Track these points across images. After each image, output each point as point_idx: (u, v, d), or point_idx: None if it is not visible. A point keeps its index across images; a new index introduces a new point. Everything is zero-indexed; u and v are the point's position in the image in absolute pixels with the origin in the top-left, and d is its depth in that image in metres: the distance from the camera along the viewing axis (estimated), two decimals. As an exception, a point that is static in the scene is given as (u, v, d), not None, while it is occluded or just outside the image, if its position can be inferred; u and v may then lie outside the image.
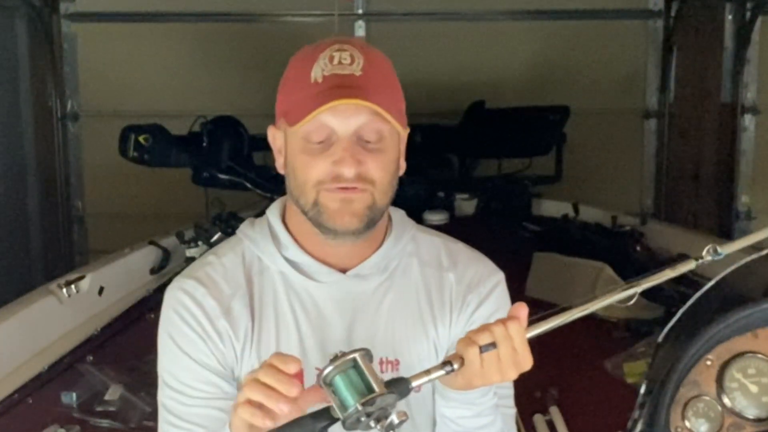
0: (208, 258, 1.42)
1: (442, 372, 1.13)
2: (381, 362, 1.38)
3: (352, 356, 1.08)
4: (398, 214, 1.45)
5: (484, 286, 1.44)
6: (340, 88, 1.26)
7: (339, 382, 1.07)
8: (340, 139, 1.28)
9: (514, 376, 1.17)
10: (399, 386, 1.09)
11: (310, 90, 1.27)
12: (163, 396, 1.36)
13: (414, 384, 1.11)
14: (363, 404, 1.05)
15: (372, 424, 1.06)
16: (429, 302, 1.42)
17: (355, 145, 1.28)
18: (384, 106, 1.27)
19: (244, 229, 1.44)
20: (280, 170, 1.39)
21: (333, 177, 1.28)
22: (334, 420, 1.08)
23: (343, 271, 1.38)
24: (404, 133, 1.34)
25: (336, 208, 1.30)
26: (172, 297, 1.37)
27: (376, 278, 1.40)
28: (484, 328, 1.16)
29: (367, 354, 1.09)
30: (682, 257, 1.21)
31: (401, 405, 1.11)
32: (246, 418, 1.10)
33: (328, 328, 1.37)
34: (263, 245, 1.40)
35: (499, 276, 1.46)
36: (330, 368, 1.08)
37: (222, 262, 1.39)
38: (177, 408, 1.34)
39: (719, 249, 1.21)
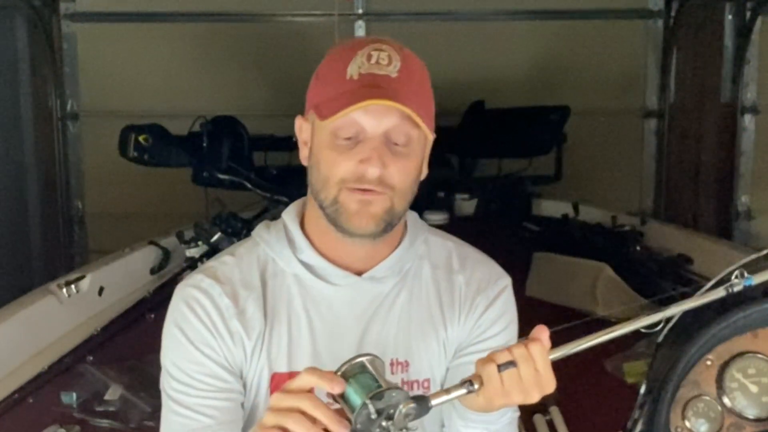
0: (224, 258, 1.41)
1: (462, 391, 1.11)
2: (392, 363, 1.38)
3: (359, 360, 1.06)
4: (412, 217, 1.45)
5: (492, 289, 1.44)
6: (375, 87, 1.26)
7: (348, 388, 1.05)
8: (368, 138, 1.28)
9: (538, 397, 1.15)
10: (419, 401, 1.06)
11: (345, 86, 1.27)
12: (168, 387, 1.36)
13: (434, 402, 1.08)
14: (371, 398, 1.03)
15: (384, 423, 1.03)
16: (439, 304, 1.42)
17: (383, 146, 1.28)
18: (416, 110, 1.27)
19: (260, 231, 1.43)
20: (304, 162, 1.38)
21: (357, 177, 1.28)
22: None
23: (358, 273, 1.38)
24: (431, 138, 1.35)
25: (355, 210, 1.29)
26: (186, 292, 1.36)
27: (391, 280, 1.40)
28: (505, 349, 1.14)
29: (377, 359, 1.07)
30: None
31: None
32: None
33: (341, 330, 1.37)
34: (278, 248, 1.39)
35: (507, 281, 1.47)
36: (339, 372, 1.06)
37: (238, 263, 1.39)
38: (183, 399, 1.34)
39: (746, 274, 1.20)
